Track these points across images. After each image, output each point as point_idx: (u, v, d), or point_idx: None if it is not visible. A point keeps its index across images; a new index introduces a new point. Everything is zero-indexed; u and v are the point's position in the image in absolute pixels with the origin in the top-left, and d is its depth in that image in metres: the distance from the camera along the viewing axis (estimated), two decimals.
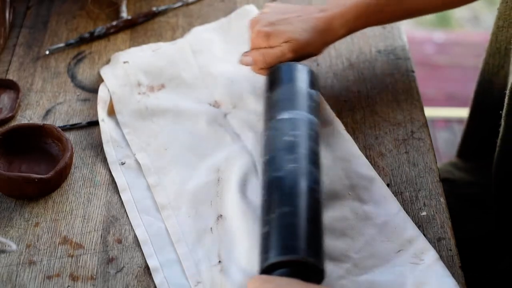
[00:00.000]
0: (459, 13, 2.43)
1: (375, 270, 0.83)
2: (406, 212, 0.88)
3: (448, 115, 2.07)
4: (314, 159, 0.86)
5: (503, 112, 0.93)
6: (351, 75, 1.06)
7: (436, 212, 0.89)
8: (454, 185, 1.13)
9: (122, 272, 0.85)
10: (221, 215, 0.89)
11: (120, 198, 0.92)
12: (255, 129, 0.97)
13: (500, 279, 1.04)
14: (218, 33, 1.11)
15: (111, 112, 1.01)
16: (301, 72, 0.94)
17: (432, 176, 0.93)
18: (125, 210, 0.90)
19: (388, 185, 0.91)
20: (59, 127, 0.97)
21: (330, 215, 0.88)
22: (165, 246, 0.87)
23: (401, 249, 0.84)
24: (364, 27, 1.00)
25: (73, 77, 1.07)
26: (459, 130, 1.87)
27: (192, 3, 1.19)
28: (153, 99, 1.02)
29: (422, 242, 0.85)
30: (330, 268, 0.83)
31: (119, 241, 0.87)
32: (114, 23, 1.13)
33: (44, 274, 0.84)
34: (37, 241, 0.88)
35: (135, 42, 1.12)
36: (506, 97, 0.92)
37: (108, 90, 1.03)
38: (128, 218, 0.90)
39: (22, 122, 1.01)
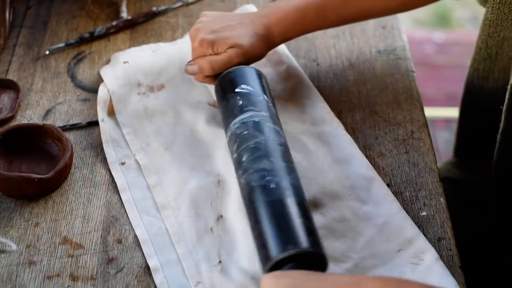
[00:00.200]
0: (459, 13, 2.43)
1: (375, 270, 0.83)
2: (406, 212, 0.88)
3: (448, 115, 2.07)
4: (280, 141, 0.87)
5: (504, 108, 0.94)
6: (351, 75, 1.06)
7: (436, 212, 0.89)
8: (454, 185, 1.13)
9: (122, 272, 0.85)
10: (221, 216, 0.89)
11: (120, 198, 0.92)
12: None
13: (500, 279, 1.04)
14: None
15: (111, 112, 1.01)
16: (253, 74, 0.95)
17: (432, 176, 0.93)
18: (125, 210, 0.90)
19: (388, 185, 0.91)
20: (59, 127, 0.97)
21: (330, 216, 0.88)
22: (166, 246, 0.87)
23: (401, 249, 0.84)
24: (303, 33, 1.01)
25: (73, 77, 1.07)
26: None
27: (192, 3, 1.19)
28: (153, 99, 1.02)
29: (422, 242, 0.85)
30: (330, 268, 0.83)
31: (119, 241, 0.87)
32: (114, 23, 1.13)
33: (44, 274, 0.84)
34: (37, 241, 0.88)
35: (135, 42, 1.12)
36: (508, 93, 0.92)
37: (108, 90, 1.03)
38: (128, 218, 0.90)
39: (22, 122, 1.01)
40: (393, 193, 0.90)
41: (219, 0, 1.19)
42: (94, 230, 0.89)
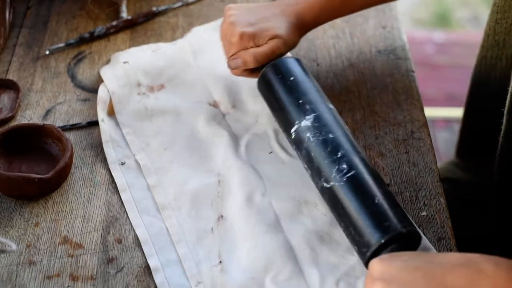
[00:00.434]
0: (459, 13, 2.43)
1: None
2: (406, 212, 0.88)
3: (448, 115, 2.07)
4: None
5: (505, 109, 0.94)
6: (351, 75, 1.06)
7: (436, 212, 0.89)
8: (454, 185, 1.13)
9: (122, 272, 0.85)
10: (221, 216, 0.89)
11: (120, 198, 0.92)
12: (253, 130, 0.98)
13: None
14: (218, 33, 1.11)
15: (111, 112, 1.01)
16: (298, 65, 0.95)
17: (432, 176, 0.93)
18: (125, 210, 0.90)
19: (388, 185, 0.91)
20: (59, 127, 0.97)
21: (330, 216, 0.88)
22: (166, 246, 0.87)
23: None
24: (332, 19, 1.02)
25: (73, 77, 1.07)
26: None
27: (192, 3, 1.19)
28: (153, 100, 1.02)
29: (422, 242, 0.84)
30: (330, 269, 0.83)
31: (119, 241, 0.87)
32: (114, 23, 1.13)
33: (44, 274, 0.84)
34: (37, 241, 0.88)
35: (135, 42, 1.12)
36: (509, 94, 0.92)
37: (108, 91, 1.03)
38: (128, 218, 0.90)
39: (22, 122, 1.01)
40: (393, 193, 0.90)
41: (219, 0, 1.19)
42: (94, 230, 0.89)
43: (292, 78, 0.93)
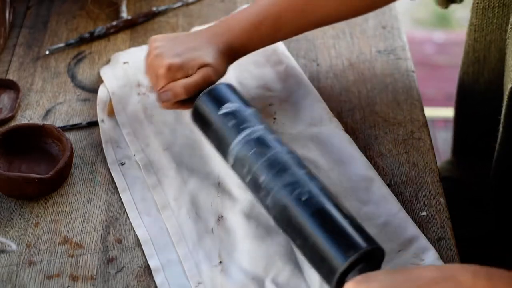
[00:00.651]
0: (459, 13, 2.43)
1: None
2: (406, 212, 0.88)
3: (448, 115, 2.06)
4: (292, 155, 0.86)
5: (502, 117, 0.94)
6: (351, 75, 1.06)
7: (436, 212, 0.89)
8: (453, 184, 1.13)
9: (122, 272, 0.85)
10: (221, 216, 0.89)
11: (120, 198, 0.92)
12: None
13: None
14: None
15: (111, 113, 1.01)
16: (228, 90, 0.92)
17: (432, 176, 0.93)
18: (125, 210, 0.90)
19: (388, 185, 0.91)
20: (59, 127, 0.97)
21: None
22: (166, 246, 0.87)
23: (402, 249, 0.84)
24: (262, 46, 0.99)
25: (73, 77, 1.07)
26: None
27: (192, 3, 1.19)
28: (153, 100, 1.02)
29: (422, 242, 0.85)
30: None
31: (119, 241, 0.87)
32: (114, 23, 1.13)
33: (44, 274, 0.84)
34: (37, 241, 0.88)
35: (135, 42, 1.12)
36: (505, 102, 0.92)
37: (108, 91, 1.03)
38: (128, 218, 0.90)
39: (22, 122, 1.01)
40: (393, 193, 0.90)
41: (219, 0, 1.19)
42: (94, 230, 0.89)
43: (226, 105, 0.90)
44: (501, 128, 0.95)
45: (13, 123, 1.00)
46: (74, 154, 0.96)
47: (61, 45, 1.11)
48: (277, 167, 0.84)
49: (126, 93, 1.02)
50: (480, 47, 1.03)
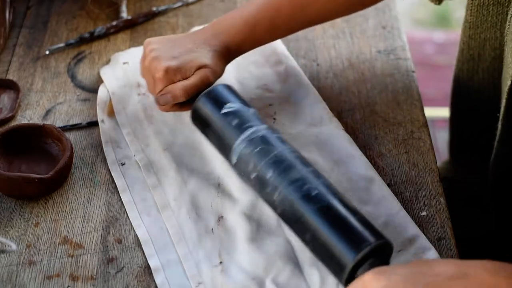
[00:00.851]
0: (459, 13, 2.43)
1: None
2: (406, 212, 0.88)
3: (448, 115, 2.06)
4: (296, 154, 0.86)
5: (500, 116, 0.94)
6: (351, 75, 1.06)
7: (436, 212, 0.89)
8: (453, 184, 1.13)
9: (122, 272, 0.85)
10: (222, 216, 0.89)
11: (120, 198, 0.92)
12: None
13: None
14: None
15: (111, 113, 1.01)
16: (227, 91, 0.92)
17: (432, 176, 0.93)
18: (125, 210, 0.90)
19: (388, 185, 0.91)
20: (59, 127, 0.97)
21: None
22: (166, 246, 0.87)
23: (402, 248, 0.84)
24: (257, 46, 0.99)
25: (73, 77, 1.07)
26: None
27: (192, 3, 1.19)
28: (153, 100, 1.02)
29: (422, 242, 0.85)
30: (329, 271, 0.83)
31: (119, 241, 0.87)
32: (114, 23, 1.13)
33: (44, 274, 0.84)
34: (37, 241, 0.88)
35: (135, 42, 1.12)
36: (504, 100, 0.92)
37: (108, 91, 1.03)
38: (128, 218, 0.90)
39: (22, 122, 1.01)
40: (393, 193, 0.90)
41: (219, 0, 1.19)
42: (94, 230, 0.89)
43: (225, 106, 0.90)
44: (499, 126, 0.95)
45: (13, 123, 1.00)
46: (74, 154, 0.96)
47: (61, 45, 1.11)
48: (284, 164, 0.84)
49: (126, 93, 1.02)
50: (475, 45, 1.03)
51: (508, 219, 1.02)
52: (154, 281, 0.83)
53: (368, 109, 1.01)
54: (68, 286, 0.83)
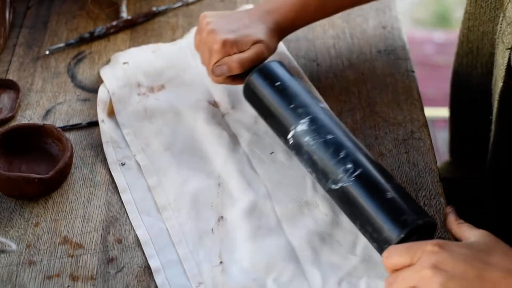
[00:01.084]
0: (459, 13, 2.43)
1: (375, 271, 0.83)
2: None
3: (448, 115, 2.06)
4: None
5: (493, 118, 0.94)
6: (351, 75, 1.06)
7: (436, 212, 0.89)
8: (454, 185, 1.13)
9: (122, 272, 0.85)
10: (222, 217, 0.89)
11: (120, 198, 0.92)
12: (252, 130, 0.98)
13: None
14: None
15: (111, 113, 1.01)
16: (282, 67, 0.95)
17: (432, 176, 0.93)
18: (125, 210, 0.90)
19: None
20: (59, 127, 0.97)
21: (331, 218, 0.88)
22: (166, 246, 0.87)
23: None
24: (306, 24, 1.04)
25: (73, 77, 1.07)
26: None
27: (192, 3, 1.19)
28: (153, 100, 1.02)
29: None
30: (327, 273, 0.83)
31: (119, 241, 0.87)
32: (114, 23, 1.13)
33: (44, 274, 0.84)
34: (37, 241, 0.88)
35: (135, 42, 1.12)
36: (496, 103, 0.93)
37: (108, 91, 1.03)
38: (129, 218, 0.90)
39: (22, 122, 1.01)
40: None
41: (219, 0, 1.19)
42: (94, 230, 0.89)
43: (279, 83, 0.92)
44: (493, 128, 0.95)
45: (13, 123, 1.00)
46: (74, 154, 0.96)
47: (61, 45, 1.11)
48: (352, 137, 0.88)
49: (126, 93, 1.02)
50: (473, 37, 1.03)
51: (510, 219, 1.02)
52: (154, 281, 0.83)
53: (368, 109, 1.01)
54: (68, 286, 0.83)
